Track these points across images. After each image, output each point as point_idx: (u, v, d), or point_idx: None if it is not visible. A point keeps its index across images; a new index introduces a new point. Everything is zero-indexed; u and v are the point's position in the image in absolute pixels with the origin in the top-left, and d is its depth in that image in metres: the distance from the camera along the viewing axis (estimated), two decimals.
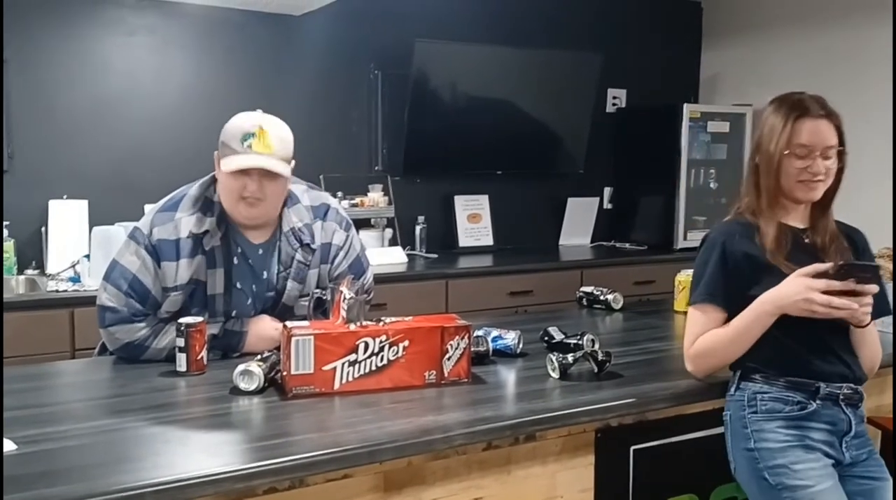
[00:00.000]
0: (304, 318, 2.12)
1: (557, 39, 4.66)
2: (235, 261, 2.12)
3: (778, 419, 1.79)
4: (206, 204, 2.09)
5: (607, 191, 5.07)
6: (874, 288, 1.74)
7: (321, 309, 2.20)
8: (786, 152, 1.83)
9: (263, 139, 2.01)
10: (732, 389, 1.88)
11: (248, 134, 2.01)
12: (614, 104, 5.06)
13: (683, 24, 5.26)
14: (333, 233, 2.21)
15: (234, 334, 2.11)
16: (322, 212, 2.21)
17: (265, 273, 2.15)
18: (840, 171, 1.89)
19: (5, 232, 3.43)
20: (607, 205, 5.07)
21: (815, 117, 1.84)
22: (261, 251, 2.15)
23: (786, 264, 1.81)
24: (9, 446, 1.47)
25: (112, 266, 2.09)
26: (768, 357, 1.81)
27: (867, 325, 1.80)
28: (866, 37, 4.23)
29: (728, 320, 1.88)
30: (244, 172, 2.02)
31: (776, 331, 1.80)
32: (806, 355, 1.80)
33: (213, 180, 2.12)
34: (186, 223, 2.05)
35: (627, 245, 4.84)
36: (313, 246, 2.18)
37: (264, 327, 2.13)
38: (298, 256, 2.16)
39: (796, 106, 1.86)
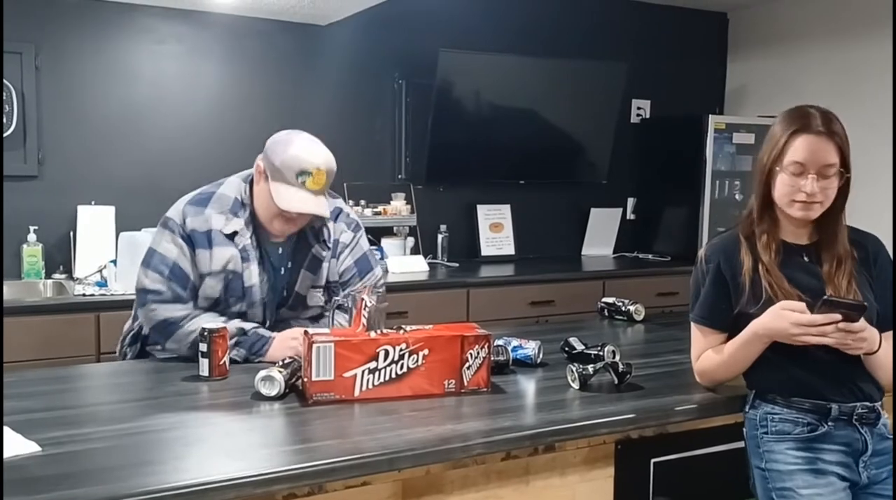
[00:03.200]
0: (318, 311, 2.29)
1: (582, 50, 4.66)
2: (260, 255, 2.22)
3: (788, 441, 1.77)
4: (236, 205, 2.18)
5: (630, 201, 5.05)
6: (856, 326, 1.66)
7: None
8: (777, 168, 1.77)
9: (318, 178, 2.10)
10: (747, 407, 1.87)
11: (305, 172, 2.08)
12: (639, 115, 5.04)
13: (710, 35, 5.23)
14: (342, 232, 2.32)
15: (261, 337, 2.16)
16: (335, 215, 2.32)
17: (283, 269, 2.26)
18: (843, 191, 1.78)
19: (34, 236, 3.49)
20: (630, 215, 5.04)
21: (815, 133, 1.72)
22: (280, 250, 2.25)
23: (781, 286, 1.77)
24: (33, 447, 1.49)
25: (150, 254, 2.18)
26: (778, 380, 1.78)
27: (872, 352, 1.73)
28: (892, 50, 4.19)
29: (729, 337, 1.87)
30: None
31: (783, 356, 1.77)
32: (815, 378, 1.76)
33: (245, 182, 2.21)
34: (217, 221, 2.16)
35: (650, 256, 4.81)
36: (329, 243, 2.29)
37: (286, 338, 2.16)
38: (314, 250, 2.26)
39: (797, 120, 1.76)
